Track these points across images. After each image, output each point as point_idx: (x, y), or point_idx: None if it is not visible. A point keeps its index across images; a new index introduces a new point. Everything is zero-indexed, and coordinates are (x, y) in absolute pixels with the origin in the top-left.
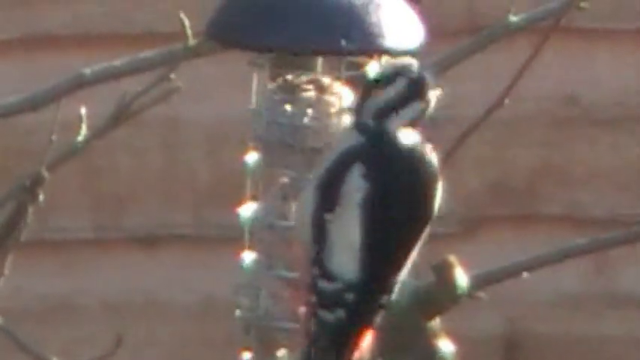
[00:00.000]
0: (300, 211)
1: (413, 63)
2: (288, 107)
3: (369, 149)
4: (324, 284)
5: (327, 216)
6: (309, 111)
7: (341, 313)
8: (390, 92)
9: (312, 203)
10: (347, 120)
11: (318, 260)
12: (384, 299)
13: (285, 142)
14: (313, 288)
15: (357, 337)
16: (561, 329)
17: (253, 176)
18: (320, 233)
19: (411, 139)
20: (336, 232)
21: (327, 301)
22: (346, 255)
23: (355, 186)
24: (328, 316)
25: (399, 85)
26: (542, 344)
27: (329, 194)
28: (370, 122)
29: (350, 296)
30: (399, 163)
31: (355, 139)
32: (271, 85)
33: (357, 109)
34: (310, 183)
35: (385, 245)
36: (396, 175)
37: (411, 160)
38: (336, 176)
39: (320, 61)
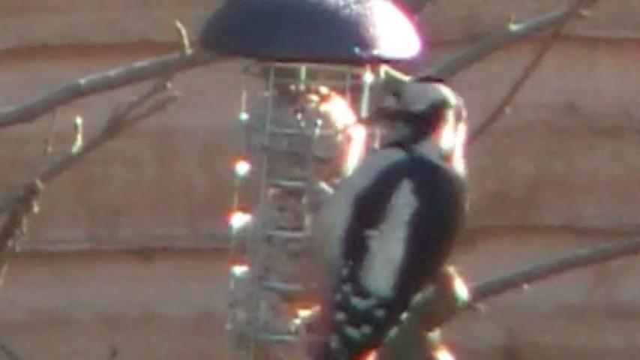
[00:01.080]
0: (325, 226)
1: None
2: (296, 117)
3: (416, 166)
4: (357, 301)
5: (369, 232)
6: (319, 121)
7: (367, 329)
8: (426, 114)
9: (346, 219)
10: (354, 129)
11: (352, 277)
12: (404, 316)
13: (294, 152)
14: (344, 305)
15: (369, 353)
16: (561, 340)
17: (245, 187)
18: (357, 249)
19: (453, 135)
20: (378, 248)
21: (357, 318)
22: (384, 271)
23: (405, 202)
24: (354, 333)
25: (431, 108)
26: (541, 355)
27: (372, 210)
28: (407, 141)
29: (380, 312)
30: (443, 183)
31: (396, 156)
32: (269, 95)
33: (392, 124)
34: (338, 198)
35: (423, 263)
36: (442, 194)
37: (451, 181)
38: (382, 192)
39: (304, 70)
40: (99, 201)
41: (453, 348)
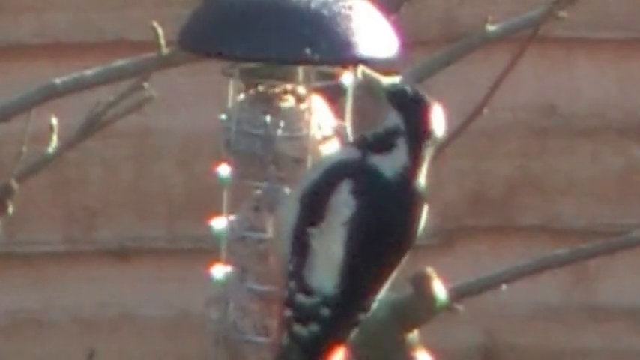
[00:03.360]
0: (278, 223)
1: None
2: (264, 118)
3: (360, 166)
4: (301, 298)
5: (311, 230)
6: (283, 122)
7: (315, 327)
8: (395, 120)
9: (294, 216)
10: (323, 131)
11: (297, 274)
12: (360, 317)
13: (258, 153)
14: (290, 302)
15: (328, 353)
16: (540, 341)
17: (227, 188)
18: (301, 247)
19: (402, 160)
20: (319, 246)
21: (303, 315)
22: (326, 270)
23: (343, 201)
24: (302, 330)
25: (408, 115)
26: (520, 356)
27: (314, 208)
28: (367, 140)
29: (325, 311)
30: (389, 184)
31: (347, 154)
32: (244, 95)
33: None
34: (291, 195)
35: (367, 264)
36: (385, 195)
37: (401, 181)
38: (324, 190)
39: (300, 71)
40: (75, 202)
41: (431, 349)
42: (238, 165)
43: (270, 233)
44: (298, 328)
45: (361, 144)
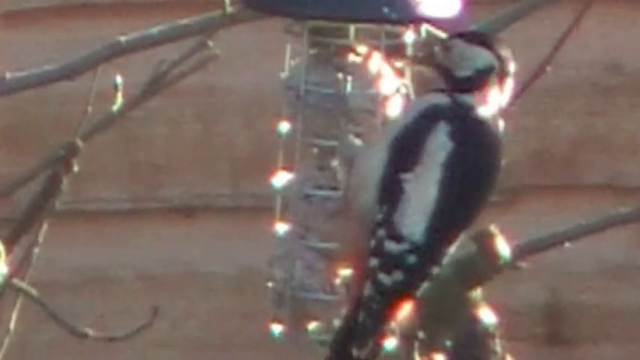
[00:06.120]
0: (362, 172)
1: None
2: (336, 75)
3: (454, 110)
4: (391, 245)
5: (404, 175)
6: (354, 78)
7: (399, 276)
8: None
9: (382, 164)
10: (389, 86)
11: (387, 221)
12: (433, 270)
13: (329, 109)
14: (378, 250)
15: (399, 306)
16: (603, 299)
17: (287, 146)
18: (391, 194)
19: (496, 98)
20: (413, 191)
21: (389, 263)
22: (418, 215)
23: (441, 144)
24: (386, 279)
25: (483, 61)
26: (584, 314)
27: (408, 153)
28: (456, 82)
29: (411, 259)
30: (480, 131)
31: (437, 99)
32: (310, 53)
33: (442, 71)
34: (377, 143)
35: (457, 209)
36: (478, 141)
37: (489, 132)
38: (418, 134)
39: (353, 29)
40: (140, 160)
41: (494, 306)
42: (308, 123)
43: (340, 191)
44: (383, 277)
45: (449, 87)
